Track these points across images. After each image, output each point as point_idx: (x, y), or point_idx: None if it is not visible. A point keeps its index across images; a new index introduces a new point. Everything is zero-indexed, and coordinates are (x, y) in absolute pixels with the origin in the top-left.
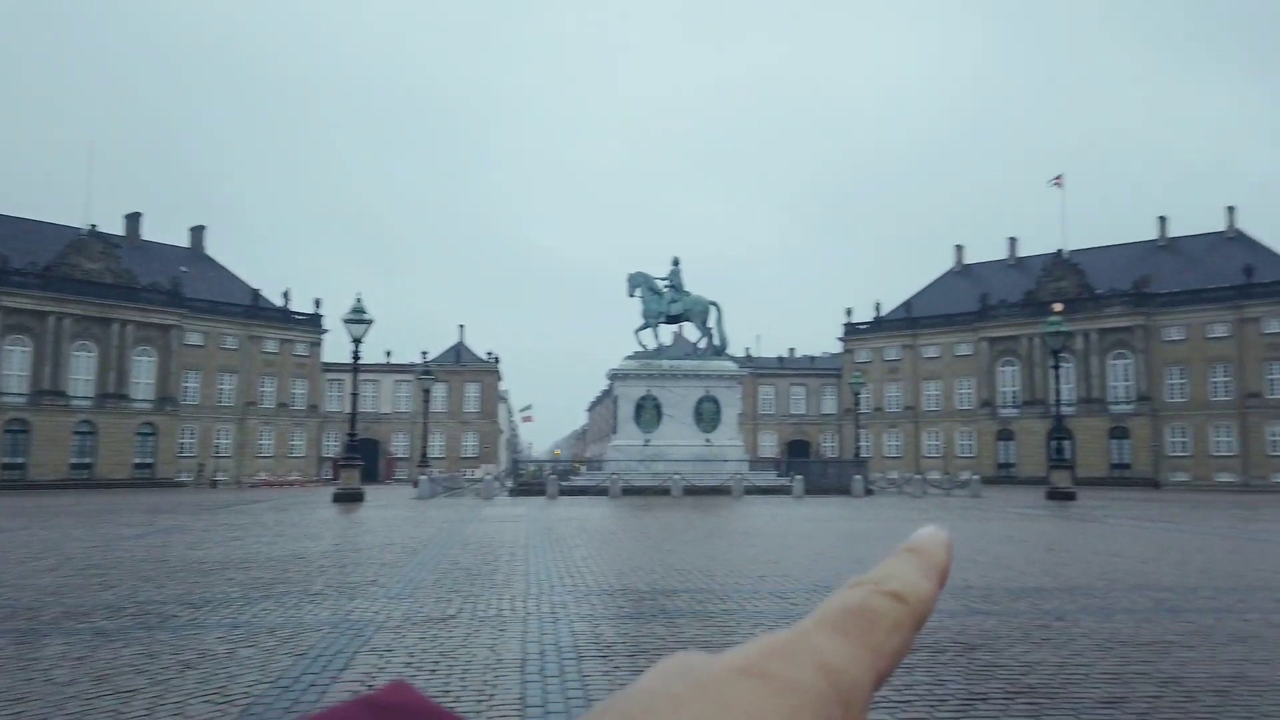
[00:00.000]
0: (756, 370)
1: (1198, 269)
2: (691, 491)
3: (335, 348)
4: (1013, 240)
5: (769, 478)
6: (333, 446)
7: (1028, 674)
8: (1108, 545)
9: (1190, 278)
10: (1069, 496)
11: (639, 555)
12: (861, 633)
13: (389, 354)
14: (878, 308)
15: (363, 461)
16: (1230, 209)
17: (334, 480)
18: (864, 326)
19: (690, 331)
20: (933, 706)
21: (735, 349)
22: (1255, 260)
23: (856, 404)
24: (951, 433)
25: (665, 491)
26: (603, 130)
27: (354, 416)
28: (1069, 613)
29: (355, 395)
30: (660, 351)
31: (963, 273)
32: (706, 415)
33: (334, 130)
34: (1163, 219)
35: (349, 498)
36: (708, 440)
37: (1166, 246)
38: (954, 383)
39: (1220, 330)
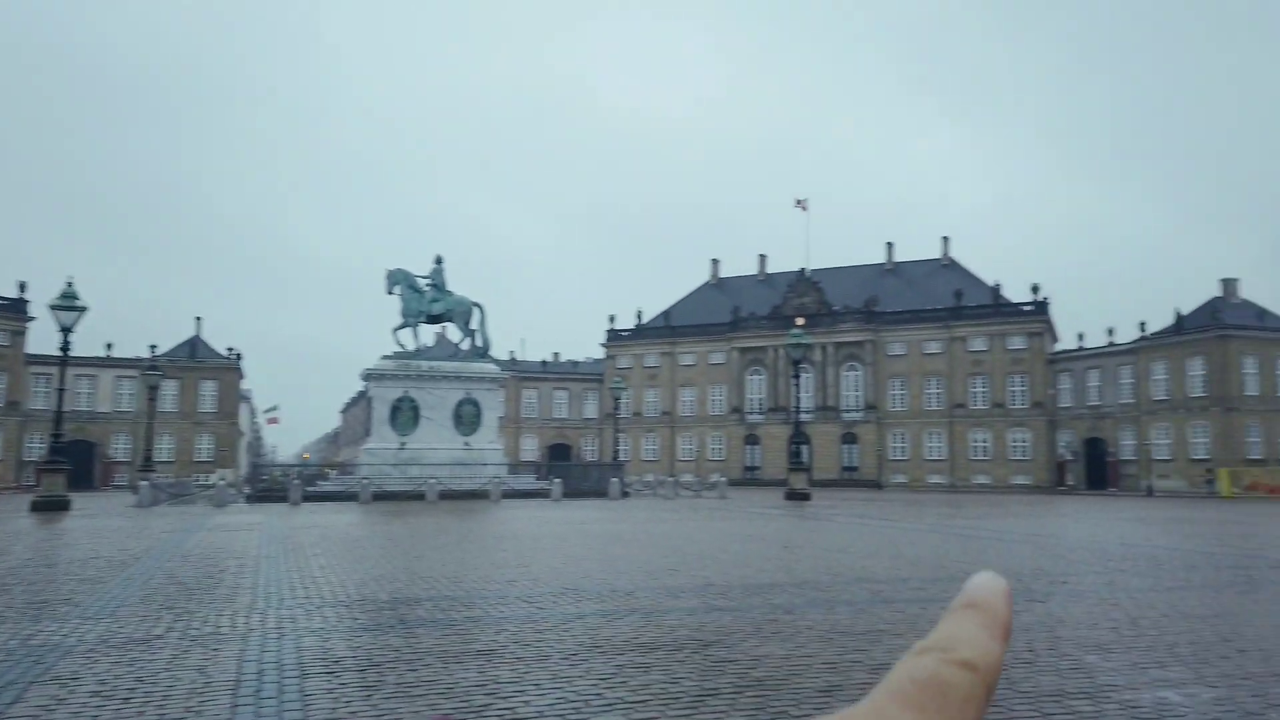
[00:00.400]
0: (520, 374)
1: (917, 291)
2: (448, 496)
3: (44, 338)
4: (763, 257)
5: (529, 481)
6: (38, 449)
7: (756, 667)
8: (835, 542)
9: (911, 299)
10: (805, 497)
11: (383, 564)
12: (936, 708)
13: (110, 346)
14: (639, 316)
15: (70, 465)
16: (945, 239)
17: (36, 486)
18: (626, 334)
19: (453, 333)
20: (666, 704)
21: (499, 352)
22: (964, 285)
23: (616, 408)
24: (704, 437)
25: (420, 496)
26: (367, 125)
27: (60, 415)
28: (797, 606)
29: (62, 391)
30: (420, 352)
31: (718, 285)
32: (467, 418)
33: (53, 101)
34: (890, 245)
35: (51, 506)
36: (467, 443)
37: (893, 270)
38: (708, 389)
39: (934, 347)
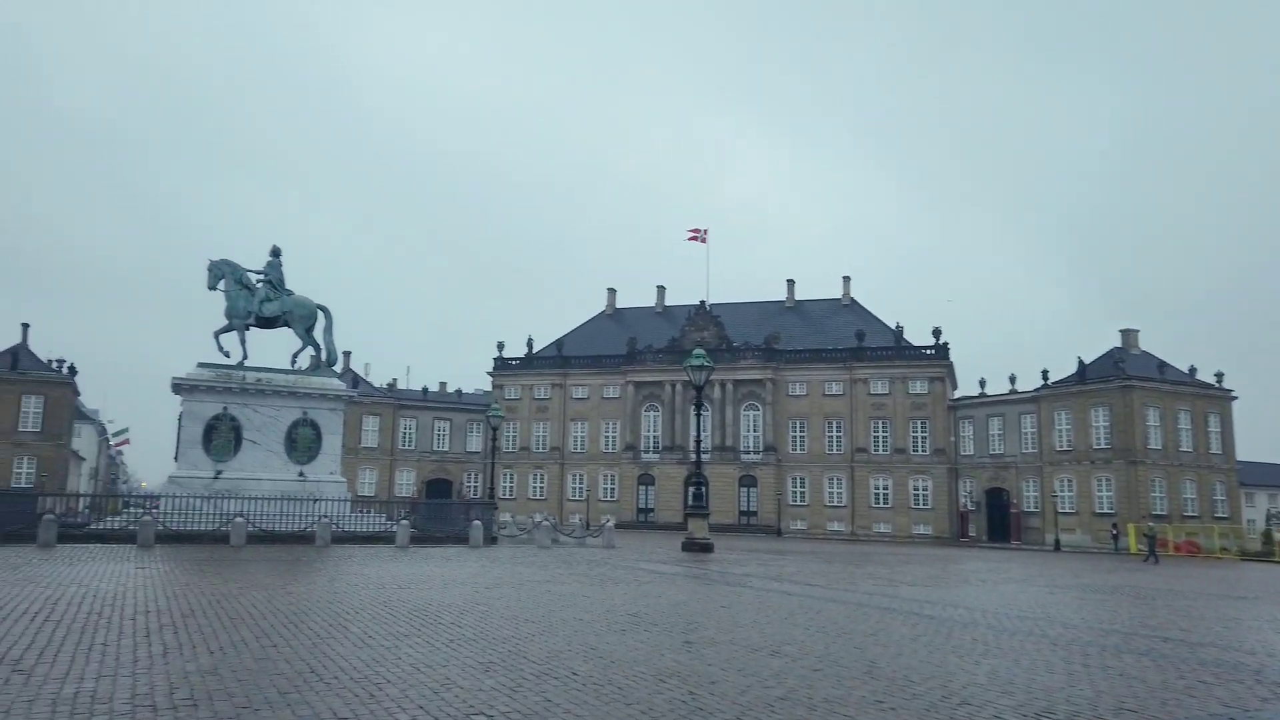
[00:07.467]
0: (399, 401)
1: (818, 331)
2: (263, 538)
3: None
4: (661, 289)
5: (373, 521)
6: None
7: None
8: (759, 631)
9: (812, 338)
10: (706, 548)
11: None
12: None
13: None
14: (530, 344)
15: None
16: (846, 278)
17: None
18: (515, 362)
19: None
20: None
21: (380, 378)
22: (865, 326)
23: (494, 439)
24: (596, 475)
25: (225, 538)
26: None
27: None
28: None
29: None
30: (247, 363)
31: (614, 316)
32: (302, 443)
33: None
34: (791, 282)
35: None
36: (302, 473)
37: (793, 308)
38: (601, 425)
39: (835, 388)
